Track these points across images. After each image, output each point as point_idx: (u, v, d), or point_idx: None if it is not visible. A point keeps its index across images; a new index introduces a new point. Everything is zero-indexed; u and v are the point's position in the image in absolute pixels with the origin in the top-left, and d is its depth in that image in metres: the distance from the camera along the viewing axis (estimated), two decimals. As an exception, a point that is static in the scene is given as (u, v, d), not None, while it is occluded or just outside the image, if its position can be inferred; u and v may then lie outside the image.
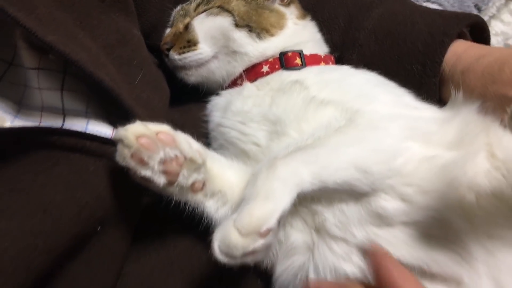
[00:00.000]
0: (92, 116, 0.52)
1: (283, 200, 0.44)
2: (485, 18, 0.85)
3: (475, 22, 0.65)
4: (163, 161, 0.47)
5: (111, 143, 0.49)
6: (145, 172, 0.46)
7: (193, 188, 0.52)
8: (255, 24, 0.66)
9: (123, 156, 0.46)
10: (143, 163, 0.46)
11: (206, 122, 0.66)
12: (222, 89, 0.68)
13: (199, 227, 0.53)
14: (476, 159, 0.48)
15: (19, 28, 0.48)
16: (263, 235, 0.41)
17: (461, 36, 0.65)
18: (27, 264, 0.39)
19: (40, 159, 0.44)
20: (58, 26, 0.49)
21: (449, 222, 0.47)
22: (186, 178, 0.50)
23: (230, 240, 0.41)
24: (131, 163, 0.46)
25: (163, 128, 0.48)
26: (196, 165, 0.50)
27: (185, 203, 0.52)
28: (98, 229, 0.47)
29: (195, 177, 0.51)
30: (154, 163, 0.46)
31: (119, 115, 0.56)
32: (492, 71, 0.56)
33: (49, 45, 0.45)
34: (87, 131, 0.49)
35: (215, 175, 0.54)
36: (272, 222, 0.42)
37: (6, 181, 0.42)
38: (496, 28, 0.89)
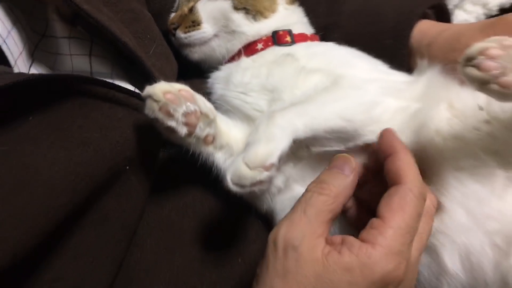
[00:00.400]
0: (116, 78, 0.61)
1: (282, 142, 0.52)
2: (450, 7, 0.95)
3: (437, 4, 0.76)
4: (185, 114, 0.54)
5: (135, 96, 0.57)
6: (171, 123, 0.53)
7: (206, 140, 0.60)
8: (251, 7, 0.75)
9: (152, 109, 0.53)
10: (169, 114, 0.53)
11: (209, 94, 0.74)
12: (221, 64, 0.77)
13: (209, 177, 0.61)
14: (439, 107, 0.58)
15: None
16: (267, 168, 0.49)
17: (426, 17, 0.75)
18: (73, 186, 0.46)
19: (76, 106, 0.51)
20: (89, 1, 0.58)
21: (423, 158, 0.56)
22: (201, 130, 0.57)
23: (241, 172, 0.49)
24: (159, 115, 0.53)
25: (184, 87, 0.56)
26: (209, 120, 0.58)
27: (199, 154, 0.60)
28: (127, 168, 0.54)
29: (208, 130, 0.59)
30: (178, 115, 0.53)
31: (138, 79, 0.65)
32: (451, 42, 0.66)
33: (85, 13, 0.53)
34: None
35: (223, 131, 0.62)
36: (274, 158, 0.50)
37: (50, 123, 0.48)
38: (459, 17, 0.98)
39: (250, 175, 0.49)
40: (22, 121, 0.46)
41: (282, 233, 0.45)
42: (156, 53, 0.67)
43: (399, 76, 0.67)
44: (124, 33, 0.59)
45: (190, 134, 0.56)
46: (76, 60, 0.61)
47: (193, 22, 0.76)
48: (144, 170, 0.57)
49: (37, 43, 0.61)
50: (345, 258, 0.44)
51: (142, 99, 0.57)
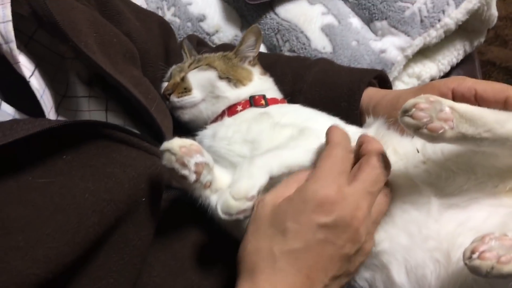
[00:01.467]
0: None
1: (260, 178, 0.62)
2: (391, 78, 1.04)
3: (380, 74, 0.92)
4: (195, 164, 0.61)
5: (146, 140, 0.62)
6: (184, 171, 0.60)
7: (205, 185, 0.65)
8: (233, 76, 0.87)
9: (170, 161, 0.59)
10: (184, 165, 0.60)
11: None
12: (207, 124, 0.89)
13: (205, 214, 0.66)
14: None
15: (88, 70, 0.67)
16: (249, 199, 0.59)
17: (371, 84, 0.90)
18: (101, 209, 0.52)
19: (100, 147, 0.56)
20: (108, 65, 0.67)
21: None
22: (204, 177, 0.63)
23: (228, 202, 0.59)
24: (176, 165, 0.60)
25: (194, 142, 0.62)
26: (210, 168, 0.64)
27: (198, 197, 0.66)
28: (143, 199, 0.59)
29: (208, 177, 0.64)
30: (191, 165, 0.60)
31: (145, 130, 0.76)
32: (392, 103, 0.77)
33: (110, 75, 0.63)
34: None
35: (217, 177, 0.68)
36: (254, 191, 0.60)
37: (81, 160, 0.54)
38: (399, 87, 1.12)
39: (235, 205, 0.59)
40: (58, 158, 0.52)
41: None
42: (157, 109, 0.75)
43: (352, 128, 0.78)
44: (136, 92, 0.69)
45: (196, 180, 0.63)
46: (94, 115, 0.70)
47: (185, 88, 0.88)
48: (154, 203, 0.63)
49: (59, 102, 0.71)
50: (290, 195, 0.57)
51: (151, 143, 0.63)
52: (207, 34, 1.20)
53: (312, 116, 0.81)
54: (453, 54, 1.19)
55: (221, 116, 0.88)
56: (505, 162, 0.61)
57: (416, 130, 0.55)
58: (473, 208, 0.62)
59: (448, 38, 1.15)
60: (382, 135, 0.72)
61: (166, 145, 0.60)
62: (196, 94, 0.87)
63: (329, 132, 0.64)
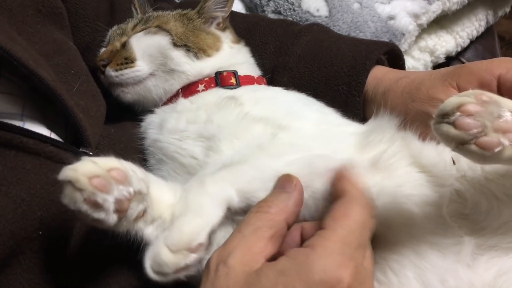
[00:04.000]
0: (27, 120, 0.52)
1: (212, 215, 0.47)
2: None
3: (392, 49, 0.73)
4: (117, 201, 0.44)
5: (49, 142, 0.49)
6: (99, 215, 0.42)
7: (136, 217, 0.49)
8: (193, 44, 0.70)
9: (74, 200, 0.41)
10: (97, 206, 0.42)
11: (142, 138, 0.67)
12: (157, 107, 0.70)
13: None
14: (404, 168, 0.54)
15: None
16: (193, 250, 0.44)
17: (379, 63, 0.72)
18: None
19: None
20: None
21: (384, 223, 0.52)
22: (133, 211, 0.47)
23: (161, 258, 0.43)
24: (84, 207, 0.42)
25: (115, 164, 0.45)
26: (142, 196, 0.48)
27: (126, 232, 0.49)
28: (40, 233, 0.46)
29: (140, 207, 0.49)
30: (109, 205, 0.43)
31: (57, 121, 0.55)
32: (410, 90, 0.62)
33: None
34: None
35: (155, 200, 0.52)
36: (202, 237, 0.45)
37: None
38: (407, 63, 0.98)
39: (172, 261, 0.44)
40: None
41: (215, 254, 0.42)
42: (81, 90, 0.59)
43: (351, 127, 0.63)
44: (42, 66, 0.51)
45: (119, 219, 0.46)
46: None
47: (126, 59, 0.69)
48: (58, 237, 0.49)
49: None
50: (281, 262, 0.42)
51: (58, 146, 0.49)
52: None
53: (295, 109, 0.64)
54: (474, 25, 1.08)
55: (175, 97, 0.70)
56: None
57: (460, 145, 0.42)
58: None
59: (470, 5, 1.03)
60: (395, 138, 0.58)
61: (67, 173, 0.42)
62: (141, 66, 0.69)
63: (344, 182, 0.48)
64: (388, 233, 0.52)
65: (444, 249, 0.50)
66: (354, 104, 0.68)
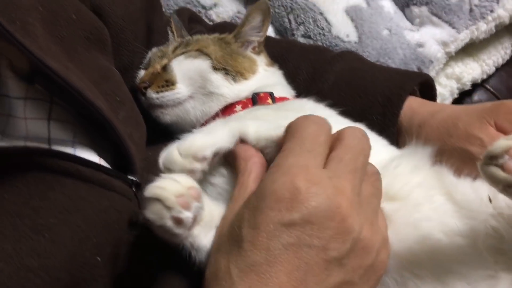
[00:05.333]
0: (79, 146, 0.52)
1: (222, 138, 0.51)
2: None
3: (426, 80, 0.73)
4: (194, 218, 0.47)
5: (102, 170, 0.49)
6: (179, 230, 0.45)
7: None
8: (231, 67, 0.71)
9: (161, 217, 0.44)
10: (181, 223, 0.45)
11: None
12: (194, 128, 0.70)
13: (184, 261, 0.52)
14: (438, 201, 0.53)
15: (19, 56, 0.50)
16: (198, 160, 0.49)
17: (412, 93, 0.72)
18: (23, 284, 0.40)
19: (32, 183, 0.44)
20: (54, 56, 0.50)
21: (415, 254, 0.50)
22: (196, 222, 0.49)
23: (172, 156, 0.49)
24: (168, 223, 0.44)
25: (191, 182, 0.47)
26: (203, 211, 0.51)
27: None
28: (98, 259, 0.46)
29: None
30: (189, 221, 0.45)
31: (105, 147, 0.56)
32: (447, 126, 0.62)
33: (54, 72, 0.46)
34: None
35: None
36: (207, 152, 0.50)
37: None
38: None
39: (180, 162, 0.49)
40: None
41: None
42: (126, 117, 0.59)
43: (387, 148, 0.63)
44: (96, 95, 0.52)
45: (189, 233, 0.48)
46: (32, 125, 0.52)
47: (166, 81, 0.70)
48: (113, 259, 0.50)
49: None
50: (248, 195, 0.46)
51: (109, 173, 0.50)
52: (203, 7, 1.07)
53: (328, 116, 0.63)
54: (499, 53, 1.08)
55: (213, 118, 0.70)
56: None
57: (507, 187, 0.42)
58: None
59: (496, 33, 1.04)
60: (431, 173, 0.57)
61: (156, 192, 0.44)
62: (181, 89, 0.70)
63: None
64: (412, 259, 0.51)
65: (475, 282, 0.49)
66: (388, 134, 0.68)
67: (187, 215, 0.45)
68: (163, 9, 1.01)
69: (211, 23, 1.04)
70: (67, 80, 0.48)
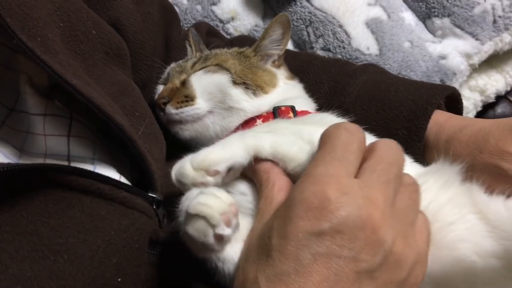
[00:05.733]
0: (98, 163, 0.51)
1: (237, 153, 0.50)
2: None
3: (453, 93, 0.70)
4: (232, 234, 0.47)
5: (123, 188, 0.48)
6: (219, 247, 0.45)
7: None
8: (251, 81, 0.70)
9: (205, 234, 0.44)
10: (222, 239, 0.45)
11: None
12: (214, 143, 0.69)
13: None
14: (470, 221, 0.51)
15: (37, 72, 0.49)
16: (211, 174, 0.48)
17: (438, 107, 0.69)
18: None
19: (51, 200, 0.43)
20: (75, 72, 0.49)
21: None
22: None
23: (184, 169, 0.48)
24: (211, 240, 0.44)
25: (231, 199, 0.47)
26: None
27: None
28: (119, 280, 0.45)
29: None
30: (229, 238, 0.46)
31: (124, 163, 0.55)
32: (477, 141, 0.59)
33: (74, 88, 0.46)
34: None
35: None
36: (220, 167, 0.48)
37: (16, 223, 0.41)
38: None
39: (192, 175, 0.48)
40: None
41: None
42: (145, 133, 0.58)
43: (412, 167, 0.60)
44: (116, 111, 0.52)
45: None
46: (51, 142, 0.51)
47: (186, 96, 0.69)
48: (134, 280, 0.48)
49: (4, 119, 0.52)
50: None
51: (130, 191, 0.49)
52: (221, 21, 1.06)
53: None
54: None
55: (234, 133, 0.67)
56: None
57: None
58: None
59: None
60: (461, 190, 0.54)
61: (201, 208, 0.44)
62: (201, 104, 0.69)
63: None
64: (446, 281, 0.49)
65: None
66: (414, 149, 0.65)
67: (228, 232, 0.45)
68: (181, 24, 1.01)
69: (228, 36, 1.04)
70: (87, 96, 0.47)
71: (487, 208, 0.52)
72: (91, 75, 0.55)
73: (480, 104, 0.98)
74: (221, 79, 0.69)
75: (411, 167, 0.60)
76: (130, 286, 0.48)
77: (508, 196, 0.52)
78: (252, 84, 0.70)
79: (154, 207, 0.53)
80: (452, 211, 0.52)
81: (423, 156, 0.66)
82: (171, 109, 0.68)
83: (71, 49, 0.54)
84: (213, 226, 0.44)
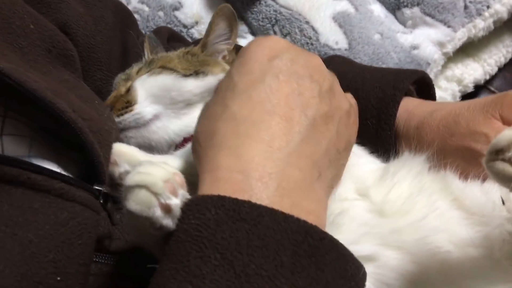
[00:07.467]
0: (34, 160, 0.47)
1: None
2: None
3: (422, 77, 0.67)
4: (180, 205, 0.42)
5: (59, 178, 0.44)
6: (167, 222, 0.41)
7: None
8: (200, 66, 0.68)
9: (149, 205, 0.40)
10: (169, 211, 0.41)
11: None
12: (173, 150, 0.66)
13: None
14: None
15: None
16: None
17: (408, 94, 0.66)
18: None
19: None
20: (9, 60, 0.46)
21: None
22: None
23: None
24: (157, 212, 0.40)
25: (174, 169, 0.44)
26: None
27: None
28: (58, 278, 0.41)
29: None
30: (177, 209, 0.41)
31: (70, 158, 0.51)
32: (448, 124, 0.57)
33: (2, 73, 0.42)
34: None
35: None
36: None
37: None
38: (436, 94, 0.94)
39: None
40: None
41: None
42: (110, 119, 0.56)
43: (374, 165, 0.59)
44: (61, 96, 0.48)
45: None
46: None
47: (127, 102, 0.66)
48: (79, 279, 0.45)
49: None
50: None
51: (69, 182, 0.45)
52: (184, 26, 1.06)
53: None
54: (501, 52, 1.01)
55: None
56: None
57: None
58: None
59: (496, 31, 0.99)
60: (434, 179, 0.54)
61: (140, 177, 0.41)
62: (141, 109, 0.66)
63: None
64: (423, 278, 0.47)
65: None
66: (385, 138, 0.62)
67: (175, 202, 0.41)
68: (143, 31, 0.98)
69: (192, 40, 1.02)
70: (17, 79, 0.44)
71: (463, 194, 0.51)
72: (33, 70, 0.52)
73: (459, 94, 0.96)
74: (166, 79, 0.66)
75: (375, 164, 0.59)
76: (73, 286, 0.44)
77: (484, 180, 0.51)
78: (200, 67, 0.68)
79: (101, 201, 0.48)
80: (425, 203, 0.50)
81: (395, 147, 0.62)
82: (115, 117, 0.65)
83: (7, 41, 0.51)
84: (156, 194, 0.40)
